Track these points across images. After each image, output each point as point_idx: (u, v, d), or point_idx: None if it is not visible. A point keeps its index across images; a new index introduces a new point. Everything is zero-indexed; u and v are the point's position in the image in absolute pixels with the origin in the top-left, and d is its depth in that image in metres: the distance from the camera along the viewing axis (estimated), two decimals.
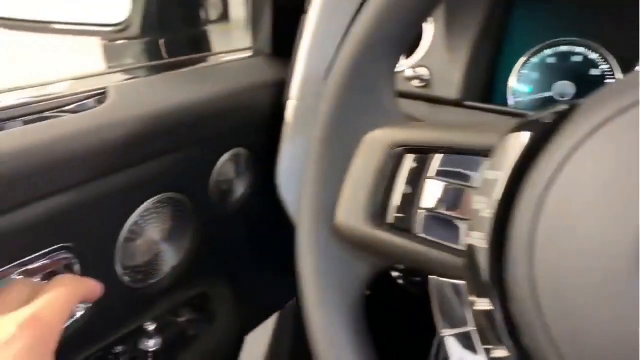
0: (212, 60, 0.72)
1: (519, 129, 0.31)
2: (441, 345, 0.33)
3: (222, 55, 0.74)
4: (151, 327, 0.57)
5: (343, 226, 0.36)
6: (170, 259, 0.62)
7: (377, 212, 0.36)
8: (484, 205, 0.32)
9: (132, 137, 0.51)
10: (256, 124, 0.66)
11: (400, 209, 0.35)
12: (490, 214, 0.31)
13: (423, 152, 0.35)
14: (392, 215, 0.35)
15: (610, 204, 0.26)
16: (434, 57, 0.58)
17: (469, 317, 0.32)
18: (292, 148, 0.66)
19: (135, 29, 0.70)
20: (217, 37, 0.76)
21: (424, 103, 0.58)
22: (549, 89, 0.57)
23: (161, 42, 0.71)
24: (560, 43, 0.57)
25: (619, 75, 0.53)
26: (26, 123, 0.50)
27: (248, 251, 0.75)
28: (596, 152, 0.27)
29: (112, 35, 0.70)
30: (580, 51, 0.55)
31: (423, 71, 0.58)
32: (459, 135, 0.34)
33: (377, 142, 0.36)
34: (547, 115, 0.30)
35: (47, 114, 0.51)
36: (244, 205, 0.69)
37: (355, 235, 0.36)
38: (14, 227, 0.45)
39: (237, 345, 0.72)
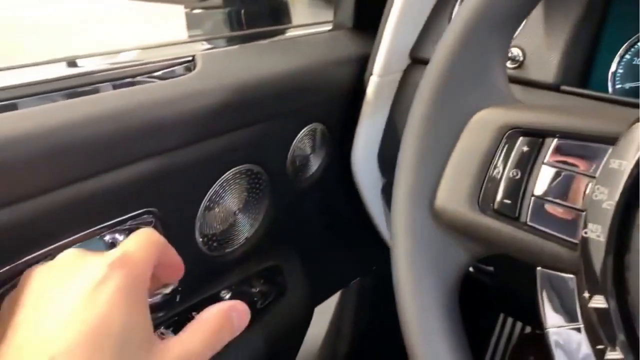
0: (293, 33, 0.71)
1: None
2: (547, 339, 0.32)
3: (303, 27, 0.73)
4: (227, 295, 0.57)
5: (444, 209, 0.35)
6: (244, 229, 0.62)
7: (482, 197, 0.34)
8: (605, 196, 0.30)
9: (219, 106, 0.51)
10: (335, 100, 0.65)
11: (507, 195, 0.33)
12: (612, 206, 0.29)
13: (536, 136, 0.33)
14: (497, 201, 0.34)
15: None
16: (529, 37, 0.55)
17: (579, 314, 0.31)
18: (370, 125, 0.64)
19: None
20: (298, 9, 0.75)
21: (516, 85, 0.55)
22: None
23: (242, 12, 0.71)
24: None
25: None
26: (115, 87, 0.51)
27: (319, 227, 0.75)
28: None
29: (195, 3, 0.70)
30: None
31: (516, 51, 0.55)
32: (579, 120, 0.32)
33: (486, 122, 0.34)
34: None
35: (138, 78, 0.52)
36: (318, 181, 0.69)
37: (456, 220, 0.35)
38: (102, 190, 0.45)
39: (307, 317, 0.72)
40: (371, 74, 0.62)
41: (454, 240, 0.35)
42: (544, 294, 0.32)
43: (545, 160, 0.33)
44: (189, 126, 0.49)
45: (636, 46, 0.54)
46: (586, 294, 0.30)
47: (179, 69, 0.54)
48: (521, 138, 0.34)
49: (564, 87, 0.52)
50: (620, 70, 0.55)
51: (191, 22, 0.71)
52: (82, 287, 0.28)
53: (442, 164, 0.35)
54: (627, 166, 0.29)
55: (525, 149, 0.33)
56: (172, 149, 0.49)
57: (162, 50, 0.58)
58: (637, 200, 0.28)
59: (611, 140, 0.30)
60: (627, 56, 0.55)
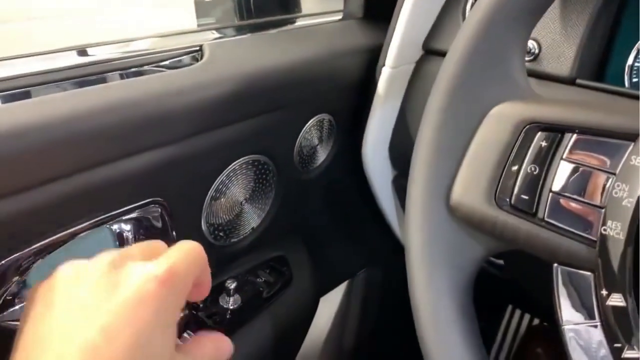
0: (302, 22, 0.71)
1: None
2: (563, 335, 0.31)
3: (312, 17, 0.72)
4: (232, 285, 0.57)
5: (460, 204, 0.34)
6: (251, 219, 0.62)
7: (499, 192, 0.34)
8: (626, 194, 0.29)
9: (226, 97, 0.51)
10: (343, 91, 0.65)
11: (525, 190, 0.33)
12: (632, 203, 0.29)
13: (555, 131, 0.33)
14: (515, 196, 0.33)
15: None
16: (545, 29, 0.54)
17: (596, 312, 0.30)
18: (381, 116, 0.64)
19: None
20: None
21: (531, 78, 0.54)
22: None
23: (251, 1, 0.70)
24: None
25: None
26: (123, 77, 0.50)
27: (326, 217, 0.75)
28: None
29: None
30: None
31: (532, 44, 0.54)
32: (599, 116, 0.32)
33: (505, 116, 0.34)
34: None
35: (145, 68, 0.51)
36: (325, 172, 0.68)
37: (472, 214, 0.34)
38: (109, 179, 0.45)
39: (312, 307, 0.72)
40: (383, 65, 0.61)
41: (470, 235, 0.35)
42: (561, 291, 0.31)
43: (564, 156, 0.32)
44: (195, 116, 0.49)
45: None
46: (604, 292, 0.30)
47: (186, 58, 0.53)
48: (540, 133, 0.33)
49: (579, 81, 0.51)
50: (637, 64, 0.54)
51: (201, 10, 0.70)
52: (125, 299, 0.26)
53: (459, 158, 0.35)
54: None
55: (544, 144, 0.33)
56: (178, 140, 0.49)
57: (170, 40, 0.57)
58: None
59: (632, 136, 0.30)
60: None
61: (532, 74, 0.54)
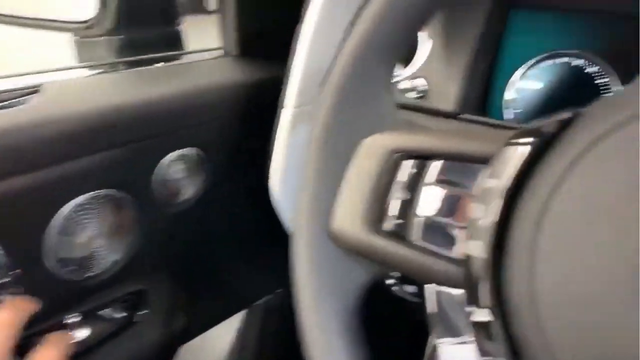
0: (177, 59, 0.73)
1: (519, 136, 0.31)
2: (434, 354, 0.32)
3: (190, 54, 0.75)
4: (76, 319, 0.56)
5: (339, 232, 0.36)
6: (109, 254, 0.62)
7: (374, 218, 0.35)
8: (483, 214, 0.31)
9: (62, 134, 0.52)
10: (214, 125, 0.66)
11: (397, 216, 0.35)
12: (489, 223, 0.31)
13: (422, 158, 0.35)
14: (389, 222, 0.35)
15: (613, 218, 0.25)
16: (431, 68, 0.58)
17: (467, 328, 0.32)
18: (285, 153, 0.65)
19: (103, 26, 0.70)
20: (192, 36, 0.76)
21: (421, 114, 0.58)
22: (545, 102, 0.57)
23: (127, 39, 0.72)
24: (557, 55, 0.57)
25: (617, 88, 0.53)
26: None
27: (208, 249, 0.75)
28: (598, 164, 0.26)
29: (82, 31, 0.71)
30: (578, 63, 0.55)
31: (420, 82, 0.58)
32: (459, 143, 0.34)
33: (375, 146, 0.36)
34: (549, 124, 0.30)
35: None
36: (200, 205, 0.69)
37: (351, 242, 0.35)
38: None
39: (169, 345, 0.71)
40: (283, 106, 0.63)
41: (352, 261, 0.36)
42: (434, 310, 0.33)
43: (430, 182, 0.34)
44: (24, 154, 0.50)
45: (527, 74, 0.58)
46: (471, 308, 0.31)
47: (23, 98, 0.54)
48: (409, 161, 0.35)
49: (462, 115, 0.55)
50: (514, 97, 0.59)
51: (81, 49, 0.72)
52: None
53: (337, 188, 0.36)
54: (500, 185, 0.30)
55: (413, 171, 0.35)
56: (10, 176, 0.49)
57: (14, 80, 0.59)
58: (511, 217, 0.30)
59: (486, 160, 0.32)
60: (521, 83, 0.58)
61: (422, 110, 0.58)
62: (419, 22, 0.37)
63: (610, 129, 0.27)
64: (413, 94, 0.58)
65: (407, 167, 0.35)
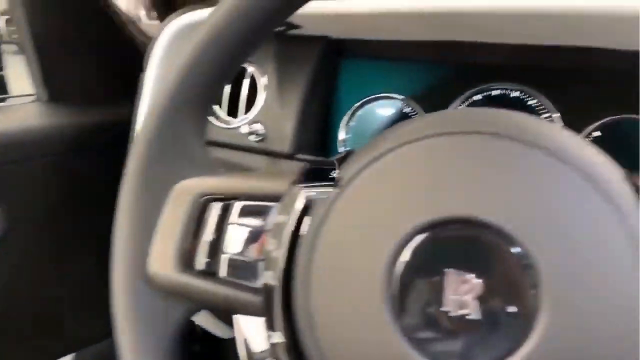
0: None
1: (303, 175, 0.35)
2: None
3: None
4: None
5: (155, 274, 0.38)
6: None
7: (186, 260, 0.38)
8: (275, 246, 0.35)
9: None
10: (19, 171, 0.67)
11: (206, 255, 0.37)
12: (280, 254, 0.34)
13: (226, 200, 0.38)
14: (200, 262, 0.37)
15: (362, 243, 0.30)
16: (267, 113, 0.62)
17: (267, 351, 0.35)
18: None
19: None
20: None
21: (262, 156, 0.62)
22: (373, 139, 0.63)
23: None
24: (381, 97, 0.63)
25: None
26: None
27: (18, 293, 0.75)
28: (356, 194, 0.31)
29: None
30: (398, 105, 0.62)
31: (258, 127, 0.62)
32: (254, 184, 0.38)
33: (184, 191, 0.39)
34: (327, 162, 0.35)
35: None
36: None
37: (167, 283, 0.38)
38: None
39: None
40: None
41: (170, 299, 0.38)
42: (239, 336, 0.36)
43: (234, 221, 0.37)
44: None
45: (357, 113, 0.64)
46: (270, 332, 0.34)
47: None
48: (214, 203, 0.38)
49: (298, 156, 0.59)
50: (348, 136, 0.64)
51: None
52: None
53: (150, 233, 0.39)
54: (287, 219, 0.34)
55: (219, 212, 0.38)
56: None
57: None
58: (295, 246, 0.33)
59: (277, 198, 0.36)
60: (352, 123, 0.64)
61: (262, 152, 0.62)
62: (225, 78, 0.41)
63: (367, 163, 0.32)
64: (252, 138, 0.62)
65: (215, 209, 0.38)
